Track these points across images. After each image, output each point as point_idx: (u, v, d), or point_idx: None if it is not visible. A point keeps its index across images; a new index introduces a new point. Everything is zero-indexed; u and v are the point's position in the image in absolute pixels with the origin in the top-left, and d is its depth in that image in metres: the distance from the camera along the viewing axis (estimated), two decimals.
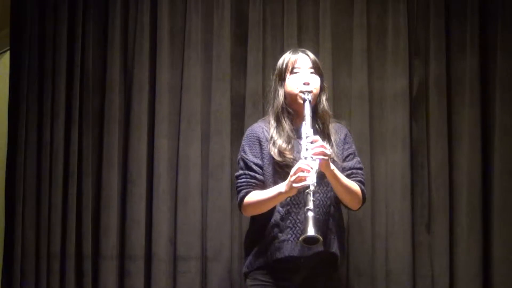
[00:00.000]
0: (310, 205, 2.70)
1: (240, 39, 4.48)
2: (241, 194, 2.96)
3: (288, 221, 2.84)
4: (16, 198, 4.40)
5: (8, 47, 4.64)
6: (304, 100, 2.93)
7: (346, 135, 3.10)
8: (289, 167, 2.86)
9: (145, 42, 4.45)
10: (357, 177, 3.03)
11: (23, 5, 4.49)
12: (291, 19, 4.43)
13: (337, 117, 4.39)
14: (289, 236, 2.90)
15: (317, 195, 2.89)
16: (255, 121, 4.33)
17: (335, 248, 3.02)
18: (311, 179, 2.73)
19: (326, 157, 2.80)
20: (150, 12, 4.47)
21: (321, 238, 2.69)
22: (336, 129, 3.07)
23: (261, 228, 2.92)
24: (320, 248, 2.91)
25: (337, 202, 3.03)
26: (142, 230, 4.37)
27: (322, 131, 2.98)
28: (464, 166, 4.29)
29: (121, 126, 4.44)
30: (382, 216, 4.31)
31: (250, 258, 3.01)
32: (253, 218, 3.02)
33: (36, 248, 4.37)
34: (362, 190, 3.00)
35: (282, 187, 2.83)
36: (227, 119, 4.40)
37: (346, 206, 3.02)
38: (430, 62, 4.37)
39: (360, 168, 3.06)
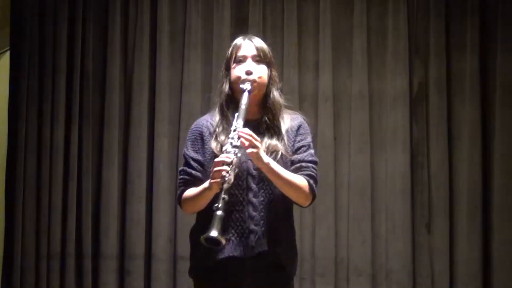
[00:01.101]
0: (219, 203, 2.57)
1: None
2: (178, 192, 2.85)
3: (232, 220, 2.71)
4: (16, 198, 4.40)
5: (8, 47, 4.64)
6: (243, 90, 2.77)
7: (300, 126, 2.87)
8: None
9: (145, 42, 4.45)
10: (306, 170, 2.79)
11: (23, 5, 4.49)
12: (291, 19, 4.43)
13: (338, 117, 4.41)
14: (231, 235, 2.76)
15: (262, 191, 2.76)
16: None
17: (283, 254, 2.85)
18: (226, 174, 2.59)
19: (254, 149, 2.64)
20: (150, 12, 4.47)
21: (223, 240, 2.54)
22: (290, 120, 2.90)
23: (203, 226, 2.77)
24: (263, 247, 2.78)
25: (285, 199, 2.86)
26: (142, 230, 4.37)
27: (272, 124, 2.82)
28: (464, 166, 4.30)
29: (121, 126, 4.44)
30: (382, 216, 4.31)
31: (192, 260, 2.89)
32: (197, 217, 2.90)
33: (36, 248, 4.37)
34: (310, 185, 2.81)
35: (207, 182, 2.73)
36: None
37: (295, 203, 2.88)
38: (430, 62, 4.37)
39: (311, 161, 2.83)
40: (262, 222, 2.72)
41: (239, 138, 2.62)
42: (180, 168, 2.82)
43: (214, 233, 2.48)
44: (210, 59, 4.46)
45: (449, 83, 4.37)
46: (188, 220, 4.33)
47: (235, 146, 2.61)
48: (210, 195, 2.67)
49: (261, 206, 2.73)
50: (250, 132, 2.63)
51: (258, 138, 2.65)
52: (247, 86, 2.71)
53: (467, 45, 4.33)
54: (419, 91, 4.38)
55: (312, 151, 2.82)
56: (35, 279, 4.37)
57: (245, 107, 2.68)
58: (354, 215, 4.33)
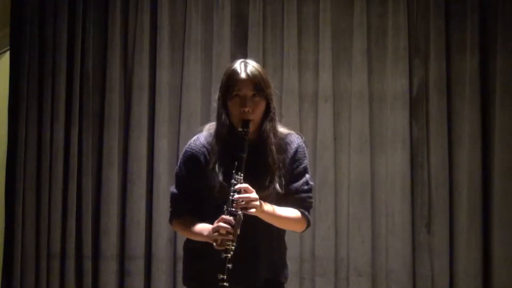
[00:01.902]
0: (223, 274, 2.53)
1: (240, 39, 4.47)
2: (171, 216, 2.80)
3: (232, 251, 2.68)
4: (16, 198, 4.39)
5: (8, 47, 4.63)
6: (242, 135, 2.71)
7: (296, 150, 2.79)
8: (217, 200, 2.69)
9: (145, 42, 4.45)
10: (300, 202, 2.79)
11: (23, 5, 4.49)
12: (291, 19, 4.43)
13: (338, 117, 4.41)
14: (235, 264, 2.72)
15: (257, 218, 2.73)
16: None
17: (280, 274, 2.85)
18: (230, 243, 2.56)
19: (252, 209, 2.62)
20: (150, 12, 4.47)
21: None
22: (287, 143, 2.82)
23: (201, 246, 2.75)
24: (262, 275, 2.75)
25: (272, 235, 2.86)
26: (142, 230, 4.37)
27: (266, 158, 2.75)
28: (464, 166, 4.30)
29: (121, 126, 4.44)
30: (382, 216, 4.31)
31: (188, 270, 2.87)
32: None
33: (36, 248, 4.37)
34: (305, 217, 2.78)
35: (205, 230, 2.67)
36: None
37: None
38: (430, 62, 4.37)
39: (305, 191, 2.78)
40: (260, 254, 2.71)
41: (239, 192, 2.56)
42: (172, 189, 2.75)
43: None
44: (210, 59, 4.46)
45: (449, 83, 4.37)
46: None
47: (236, 206, 2.56)
48: (205, 240, 2.64)
49: (256, 234, 2.70)
50: (247, 194, 2.56)
51: (255, 195, 2.58)
52: (245, 130, 2.65)
53: (467, 45, 4.33)
54: (419, 91, 4.38)
55: (307, 176, 2.76)
56: (35, 279, 4.36)
57: (244, 157, 2.62)
58: (354, 215, 4.33)
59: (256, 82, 2.71)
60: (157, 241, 4.35)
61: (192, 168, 2.72)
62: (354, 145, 4.38)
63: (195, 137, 2.78)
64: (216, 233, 2.54)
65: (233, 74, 2.72)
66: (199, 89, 4.44)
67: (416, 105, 4.38)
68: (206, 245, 2.64)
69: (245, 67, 2.75)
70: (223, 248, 2.54)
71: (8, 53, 4.67)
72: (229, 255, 2.53)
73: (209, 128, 2.78)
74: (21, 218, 4.38)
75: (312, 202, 2.79)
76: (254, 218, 2.63)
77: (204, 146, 2.73)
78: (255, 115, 2.68)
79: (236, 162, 2.61)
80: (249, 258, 2.70)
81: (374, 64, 4.42)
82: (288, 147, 2.77)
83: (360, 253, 4.29)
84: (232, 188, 2.58)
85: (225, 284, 2.51)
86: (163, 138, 4.41)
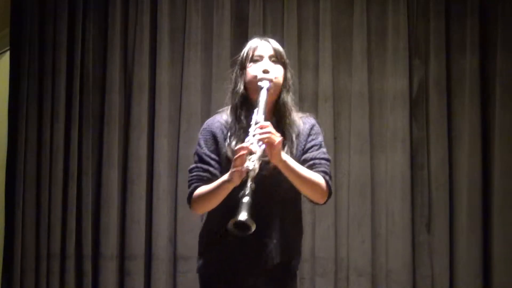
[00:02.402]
0: (246, 190, 2.49)
1: (240, 39, 4.47)
2: (190, 189, 2.70)
3: (233, 232, 2.65)
4: (16, 198, 4.39)
5: (8, 47, 4.63)
6: (261, 88, 2.71)
7: (312, 127, 2.82)
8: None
9: (145, 42, 4.45)
10: (319, 167, 2.74)
11: (23, 5, 4.49)
12: (291, 19, 4.43)
13: (338, 117, 4.41)
14: (243, 247, 2.70)
15: (271, 199, 2.70)
16: None
17: (293, 258, 2.83)
18: (251, 163, 2.52)
19: (274, 142, 2.59)
20: (150, 12, 4.46)
21: (253, 226, 2.46)
22: (302, 123, 2.84)
23: (215, 230, 2.71)
24: (276, 260, 2.73)
25: (295, 204, 2.82)
26: (142, 230, 4.37)
27: (277, 127, 2.75)
28: (464, 166, 4.30)
29: (121, 126, 4.44)
30: (382, 216, 4.31)
31: (198, 261, 2.83)
32: (208, 217, 2.82)
33: (36, 248, 4.37)
34: (326, 181, 2.77)
35: (226, 175, 2.64)
36: None
37: (310, 201, 2.83)
38: (430, 62, 4.37)
39: (324, 159, 2.77)
40: (273, 233, 2.68)
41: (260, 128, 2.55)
42: (192, 166, 2.73)
43: (243, 216, 2.38)
44: (210, 59, 4.46)
45: (449, 83, 4.37)
46: (188, 220, 4.35)
47: (256, 139, 2.52)
48: (229, 189, 2.58)
49: (270, 218, 2.68)
50: (271, 127, 2.56)
51: (278, 134, 2.58)
52: (265, 84, 2.66)
53: (467, 45, 4.33)
54: (419, 91, 4.38)
55: (324, 149, 2.77)
56: (35, 280, 4.36)
57: (264, 103, 2.63)
58: (354, 215, 4.33)
59: (275, 49, 2.77)
60: (157, 241, 4.35)
61: (209, 140, 2.72)
62: (354, 145, 4.38)
63: (211, 118, 2.80)
64: (234, 162, 2.50)
65: (253, 42, 2.78)
66: (199, 89, 4.44)
67: (416, 105, 4.38)
68: (222, 227, 2.56)
69: (265, 38, 2.82)
70: (243, 162, 2.48)
71: (8, 53, 4.67)
72: (251, 173, 2.46)
73: (223, 110, 2.80)
74: (21, 218, 4.38)
75: (330, 173, 2.75)
76: (269, 194, 2.61)
77: (220, 122, 2.74)
78: (275, 78, 2.71)
79: (256, 109, 2.61)
80: (261, 236, 2.63)
81: (374, 64, 4.42)
82: (303, 126, 2.79)
83: (360, 253, 4.29)
84: (253, 126, 2.56)
85: (245, 199, 2.43)
86: (163, 138, 4.41)
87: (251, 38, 2.84)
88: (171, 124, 4.43)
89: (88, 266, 4.35)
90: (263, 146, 2.52)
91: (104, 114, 4.44)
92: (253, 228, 2.42)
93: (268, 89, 2.65)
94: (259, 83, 2.66)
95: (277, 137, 2.55)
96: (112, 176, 4.39)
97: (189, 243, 4.34)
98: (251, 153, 2.50)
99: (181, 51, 4.47)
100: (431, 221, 4.31)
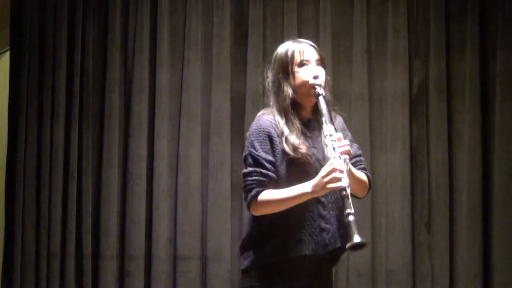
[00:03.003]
0: (351, 209, 2.61)
1: (240, 39, 4.48)
2: (252, 193, 2.80)
3: (303, 220, 2.76)
4: (16, 198, 4.40)
5: (8, 47, 4.64)
6: (319, 95, 2.80)
7: (342, 122, 3.02)
8: (305, 164, 2.76)
9: (145, 42, 4.45)
10: (361, 164, 2.92)
11: (23, 5, 4.49)
12: (291, 19, 4.43)
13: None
14: (303, 235, 2.82)
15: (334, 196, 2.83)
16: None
17: (345, 242, 2.97)
18: (345, 180, 2.64)
19: (350, 155, 2.73)
20: (150, 12, 4.47)
21: (367, 243, 2.63)
22: (334, 117, 2.98)
23: (272, 226, 2.82)
24: (337, 245, 2.87)
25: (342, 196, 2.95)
26: (142, 230, 4.37)
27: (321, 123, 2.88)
28: (464, 166, 4.30)
29: (121, 126, 4.44)
30: (382, 216, 4.31)
31: (251, 255, 2.91)
32: (262, 216, 2.90)
33: (36, 248, 4.37)
34: (368, 178, 2.93)
35: (307, 187, 2.70)
36: (227, 119, 4.40)
37: (354, 196, 2.93)
38: (430, 62, 4.37)
39: (360, 155, 2.98)
40: (332, 219, 2.79)
41: (336, 141, 2.68)
42: (249, 169, 2.77)
43: (357, 238, 2.56)
44: (210, 59, 4.46)
45: (449, 83, 4.37)
46: (188, 220, 4.35)
47: (337, 154, 2.66)
48: (305, 199, 2.71)
49: (330, 205, 2.79)
50: (346, 141, 2.70)
51: (348, 141, 2.71)
52: (321, 90, 2.76)
53: (467, 45, 4.33)
54: (419, 91, 4.38)
55: (356, 144, 2.92)
56: (35, 279, 4.36)
57: (328, 111, 2.72)
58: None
59: (320, 53, 2.86)
60: (157, 241, 4.35)
61: (264, 141, 2.79)
62: None
63: (258, 118, 2.86)
64: (329, 176, 2.62)
65: (298, 46, 2.84)
66: (199, 89, 4.44)
67: (416, 105, 4.38)
68: (275, 225, 2.75)
69: (305, 41, 2.89)
70: (338, 180, 2.61)
71: (8, 53, 4.67)
72: (349, 191, 2.60)
73: (266, 113, 2.87)
74: (21, 218, 4.38)
75: (366, 166, 2.93)
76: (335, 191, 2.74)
77: (270, 121, 2.82)
78: (323, 81, 2.81)
79: (324, 119, 2.72)
80: (332, 221, 2.80)
81: (374, 64, 4.42)
82: (337, 118, 2.92)
83: (360, 253, 4.28)
84: (328, 137, 2.68)
85: (351, 213, 2.58)
86: (163, 138, 4.41)
87: (280, 40, 2.94)
88: (171, 124, 4.43)
89: (88, 266, 4.35)
90: (345, 158, 2.66)
91: (104, 114, 4.44)
92: (367, 244, 2.61)
93: (325, 96, 2.75)
94: (317, 90, 2.74)
95: (349, 144, 2.70)
96: (112, 176, 4.39)
97: (189, 243, 4.34)
98: (341, 171, 2.62)
99: (181, 51, 4.47)
100: (431, 221, 4.31)
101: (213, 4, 4.47)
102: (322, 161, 2.72)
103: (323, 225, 2.78)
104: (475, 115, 4.31)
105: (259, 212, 2.79)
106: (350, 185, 2.75)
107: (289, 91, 2.80)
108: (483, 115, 4.32)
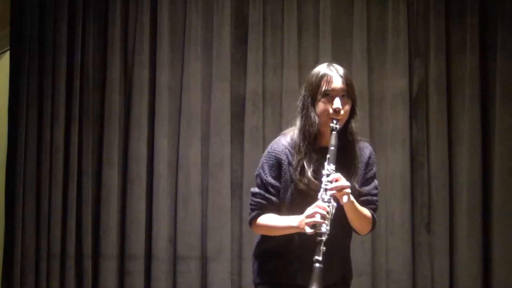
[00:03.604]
0: (319, 256, 2.66)
1: (240, 39, 4.48)
2: (253, 214, 2.91)
3: (304, 249, 2.80)
4: (16, 198, 4.40)
5: (8, 47, 4.64)
6: (332, 130, 2.84)
7: (370, 156, 3.00)
8: (310, 196, 2.80)
9: (145, 42, 4.45)
10: (371, 204, 2.97)
11: (23, 5, 4.49)
12: (291, 19, 4.43)
13: None
14: (303, 266, 2.85)
15: (332, 228, 2.86)
16: (255, 121, 4.35)
17: (348, 275, 3.04)
18: (325, 227, 2.68)
19: (346, 194, 2.77)
20: (150, 12, 4.47)
21: None
22: (360, 149, 3.00)
23: (276, 248, 2.89)
24: (333, 280, 2.90)
25: (350, 232, 3.00)
26: (142, 230, 4.37)
27: (349, 155, 2.91)
28: (464, 166, 4.30)
29: (121, 126, 4.44)
30: (382, 216, 4.31)
31: (259, 269, 2.98)
32: (267, 236, 3.00)
33: (36, 248, 4.37)
34: (373, 218, 2.96)
35: (294, 221, 2.78)
36: (227, 119, 4.40)
37: (355, 231, 3.00)
38: (430, 62, 4.37)
39: (375, 194, 2.96)
40: (332, 256, 2.81)
41: (331, 182, 2.71)
42: (256, 190, 2.85)
43: (315, 286, 2.61)
44: (210, 59, 4.46)
45: (449, 83, 4.37)
46: (188, 221, 4.35)
47: (329, 195, 2.70)
48: (293, 231, 2.77)
49: (332, 241, 2.80)
50: (342, 180, 2.71)
51: (348, 184, 2.73)
52: (336, 125, 2.78)
53: (467, 45, 4.33)
54: (419, 91, 4.38)
55: (376, 182, 3.00)
56: (35, 279, 4.37)
57: (335, 149, 2.75)
58: None
59: (348, 83, 2.86)
60: (157, 241, 4.35)
61: (273, 167, 2.84)
62: None
63: (276, 140, 2.91)
64: (310, 219, 2.66)
65: (326, 74, 2.86)
66: (199, 89, 4.44)
67: (416, 105, 4.38)
68: (280, 246, 2.84)
69: (336, 69, 2.89)
70: (318, 232, 2.65)
71: (8, 53, 4.68)
72: (324, 238, 2.64)
73: (288, 132, 2.91)
74: (21, 218, 4.38)
75: (377, 207, 2.96)
76: (336, 219, 2.75)
77: (286, 148, 2.85)
78: (344, 115, 2.83)
79: (328, 156, 2.76)
80: (332, 256, 2.80)
81: (374, 64, 4.42)
82: (362, 152, 2.95)
83: (360, 253, 4.29)
84: (325, 177, 2.72)
85: (317, 264, 2.63)
86: (163, 138, 4.41)
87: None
88: (171, 124, 4.43)
89: (88, 266, 4.35)
90: (335, 205, 2.70)
91: (104, 114, 4.44)
92: None
93: (338, 132, 2.78)
94: (331, 125, 2.78)
95: (348, 190, 2.71)
96: (112, 176, 4.39)
97: (189, 243, 4.34)
98: (324, 217, 2.66)
99: (181, 51, 4.47)
100: (431, 221, 4.31)
101: (213, 4, 4.47)
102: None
103: (329, 261, 2.81)
104: (475, 115, 4.31)
105: (257, 232, 2.90)
106: (351, 221, 2.80)
107: (315, 117, 2.83)
108: (483, 115, 4.32)
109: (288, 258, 2.85)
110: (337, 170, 2.76)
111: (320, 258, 2.63)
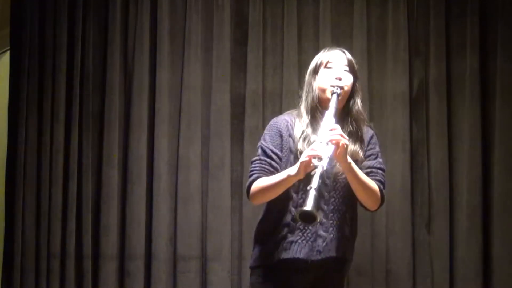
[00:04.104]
0: (314, 183, 2.64)
1: (240, 39, 4.48)
2: (251, 178, 2.89)
3: (299, 222, 2.80)
4: (16, 198, 4.39)
5: (8, 47, 4.64)
6: (333, 93, 2.87)
7: (371, 137, 3.06)
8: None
9: (145, 42, 4.45)
10: (376, 176, 2.95)
11: (23, 5, 4.49)
12: (291, 19, 4.43)
13: None
14: (298, 238, 2.87)
15: (333, 199, 2.86)
16: (255, 121, 4.36)
17: (348, 254, 3.00)
18: (322, 162, 2.67)
19: (343, 143, 2.76)
20: (150, 12, 4.47)
21: (318, 217, 2.63)
22: (363, 131, 3.04)
23: (272, 226, 2.88)
24: (331, 253, 2.89)
25: (353, 207, 2.98)
26: (142, 230, 4.37)
27: (356, 133, 2.94)
28: (464, 166, 4.30)
29: (121, 126, 4.44)
30: (382, 216, 4.31)
31: (255, 253, 2.98)
32: (265, 214, 2.96)
33: (36, 248, 4.37)
34: (380, 190, 2.93)
35: (292, 170, 2.78)
36: (227, 119, 4.40)
37: (363, 206, 2.98)
38: (430, 62, 4.37)
39: (380, 168, 2.98)
40: (331, 229, 2.82)
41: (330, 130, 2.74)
42: (255, 157, 2.87)
43: (309, 207, 2.56)
44: (210, 59, 4.46)
45: (449, 83, 4.37)
46: (188, 221, 4.35)
47: (326, 140, 2.73)
48: (292, 182, 2.77)
49: (331, 214, 2.82)
50: (341, 131, 2.76)
51: (347, 137, 2.77)
52: (336, 90, 2.82)
53: (467, 45, 4.33)
54: (419, 91, 4.38)
55: (381, 159, 2.99)
56: (35, 280, 4.36)
57: (335, 107, 2.79)
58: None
59: (349, 59, 2.97)
60: (157, 241, 4.35)
61: (275, 136, 2.87)
62: None
63: (277, 117, 2.98)
64: (307, 154, 2.69)
65: (328, 50, 2.93)
66: (199, 89, 4.44)
67: (416, 105, 4.38)
68: (275, 224, 2.86)
69: (339, 48, 3.02)
70: (313, 164, 2.67)
71: (8, 53, 4.68)
72: (319, 169, 2.64)
73: (289, 112, 2.97)
74: (21, 218, 4.38)
75: (385, 183, 2.97)
76: (337, 189, 2.81)
77: (286, 121, 2.92)
78: (346, 86, 2.91)
79: (326, 112, 2.82)
80: (321, 229, 2.84)
81: (374, 64, 4.42)
82: (364, 135, 3.02)
83: (360, 253, 4.28)
84: (321, 125, 2.78)
85: (314, 188, 2.61)
86: (163, 138, 4.41)
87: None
88: (171, 124, 4.43)
89: (88, 266, 4.35)
90: (332, 147, 2.70)
91: (104, 114, 4.44)
92: (318, 219, 2.63)
93: (338, 95, 2.81)
94: (332, 88, 2.81)
95: (344, 139, 2.74)
96: (112, 176, 4.39)
97: (189, 243, 4.34)
98: (319, 157, 2.68)
99: (181, 51, 4.47)
100: (431, 221, 4.31)
101: (213, 4, 4.48)
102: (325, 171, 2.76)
103: (320, 232, 2.82)
104: (475, 115, 4.31)
105: (255, 199, 2.87)
106: (354, 189, 2.80)
107: (316, 90, 2.88)
108: (483, 115, 4.32)
109: (282, 234, 2.84)
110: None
111: (315, 186, 2.62)
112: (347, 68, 2.94)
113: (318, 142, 2.71)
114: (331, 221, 2.87)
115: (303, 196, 2.74)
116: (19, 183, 4.40)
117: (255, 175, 2.88)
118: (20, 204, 4.38)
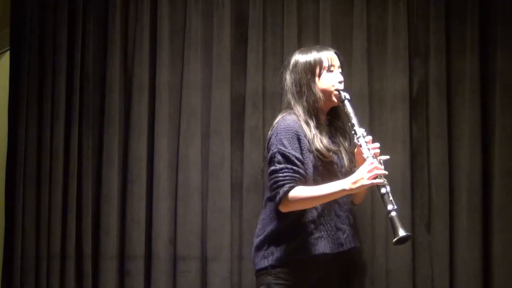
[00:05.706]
0: (393, 205, 2.75)
1: (240, 39, 4.48)
2: (285, 188, 2.88)
3: (323, 218, 2.84)
4: (16, 198, 4.40)
5: (8, 47, 4.64)
6: (345, 99, 2.93)
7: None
8: (331, 164, 2.86)
9: (145, 42, 4.45)
10: None
11: (23, 5, 4.50)
12: (291, 19, 4.43)
13: None
14: (323, 233, 2.90)
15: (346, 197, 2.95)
16: (255, 121, 4.35)
17: (358, 242, 3.13)
18: (385, 179, 2.78)
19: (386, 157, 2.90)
20: (150, 12, 4.47)
21: (411, 235, 2.77)
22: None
23: (295, 224, 2.90)
24: (352, 244, 2.97)
25: (349, 197, 3.08)
26: (142, 230, 4.37)
27: (342, 129, 3.01)
28: (464, 166, 4.29)
29: (121, 126, 4.44)
30: (382, 216, 4.30)
31: (277, 252, 2.98)
32: (282, 214, 2.96)
33: (36, 249, 4.37)
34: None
35: (344, 184, 2.82)
36: (227, 119, 4.40)
37: (352, 203, 3.09)
38: (430, 62, 4.37)
39: None
40: (346, 220, 2.88)
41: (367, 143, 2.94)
42: (279, 166, 2.86)
43: (402, 232, 2.81)
44: (210, 59, 4.46)
45: (449, 83, 4.36)
46: (188, 221, 4.35)
47: (372, 154, 2.95)
48: (341, 195, 2.91)
49: (345, 206, 2.88)
50: (376, 143, 2.98)
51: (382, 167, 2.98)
52: (347, 95, 2.90)
53: (467, 45, 4.33)
54: (419, 91, 4.38)
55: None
56: (35, 280, 4.37)
57: (354, 113, 2.87)
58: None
59: (341, 61, 3.02)
60: (157, 241, 4.35)
61: (293, 140, 2.93)
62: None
63: (284, 119, 2.99)
64: (371, 173, 2.86)
65: (325, 51, 2.98)
66: (199, 89, 4.44)
67: (416, 105, 4.38)
68: (295, 223, 2.94)
69: (327, 48, 3.23)
70: (380, 184, 2.87)
71: (8, 53, 4.68)
72: (388, 188, 2.87)
73: (289, 113, 2.98)
74: (21, 218, 4.38)
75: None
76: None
77: (296, 121, 2.91)
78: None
79: (353, 121, 3.00)
80: (350, 220, 3.03)
81: (374, 64, 4.42)
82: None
83: (360, 252, 4.29)
84: (361, 138, 2.95)
85: (393, 213, 2.85)
86: (163, 138, 4.41)
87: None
88: (171, 124, 4.43)
89: (88, 266, 4.35)
90: (380, 159, 2.88)
91: (104, 114, 4.44)
92: (411, 236, 2.97)
93: (349, 100, 2.89)
94: (342, 94, 2.88)
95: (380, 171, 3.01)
96: (112, 176, 4.39)
97: (189, 243, 4.34)
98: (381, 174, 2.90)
99: (181, 51, 4.47)
100: (431, 221, 4.31)
101: (213, 4, 4.48)
102: (339, 164, 2.81)
103: (339, 224, 2.89)
104: (475, 115, 4.30)
105: (289, 208, 2.87)
106: (360, 194, 2.86)
107: (319, 93, 2.90)
108: (483, 115, 4.32)
109: (307, 232, 2.87)
110: (339, 140, 2.84)
111: (394, 207, 2.72)
112: (341, 70, 3.00)
113: (371, 157, 2.78)
114: (345, 213, 2.92)
115: None
116: (19, 183, 4.40)
117: (288, 185, 2.89)
118: (20, 204, 4.39)
